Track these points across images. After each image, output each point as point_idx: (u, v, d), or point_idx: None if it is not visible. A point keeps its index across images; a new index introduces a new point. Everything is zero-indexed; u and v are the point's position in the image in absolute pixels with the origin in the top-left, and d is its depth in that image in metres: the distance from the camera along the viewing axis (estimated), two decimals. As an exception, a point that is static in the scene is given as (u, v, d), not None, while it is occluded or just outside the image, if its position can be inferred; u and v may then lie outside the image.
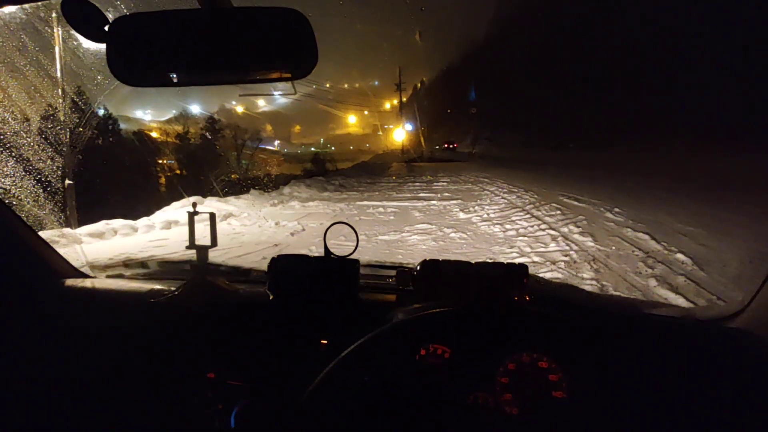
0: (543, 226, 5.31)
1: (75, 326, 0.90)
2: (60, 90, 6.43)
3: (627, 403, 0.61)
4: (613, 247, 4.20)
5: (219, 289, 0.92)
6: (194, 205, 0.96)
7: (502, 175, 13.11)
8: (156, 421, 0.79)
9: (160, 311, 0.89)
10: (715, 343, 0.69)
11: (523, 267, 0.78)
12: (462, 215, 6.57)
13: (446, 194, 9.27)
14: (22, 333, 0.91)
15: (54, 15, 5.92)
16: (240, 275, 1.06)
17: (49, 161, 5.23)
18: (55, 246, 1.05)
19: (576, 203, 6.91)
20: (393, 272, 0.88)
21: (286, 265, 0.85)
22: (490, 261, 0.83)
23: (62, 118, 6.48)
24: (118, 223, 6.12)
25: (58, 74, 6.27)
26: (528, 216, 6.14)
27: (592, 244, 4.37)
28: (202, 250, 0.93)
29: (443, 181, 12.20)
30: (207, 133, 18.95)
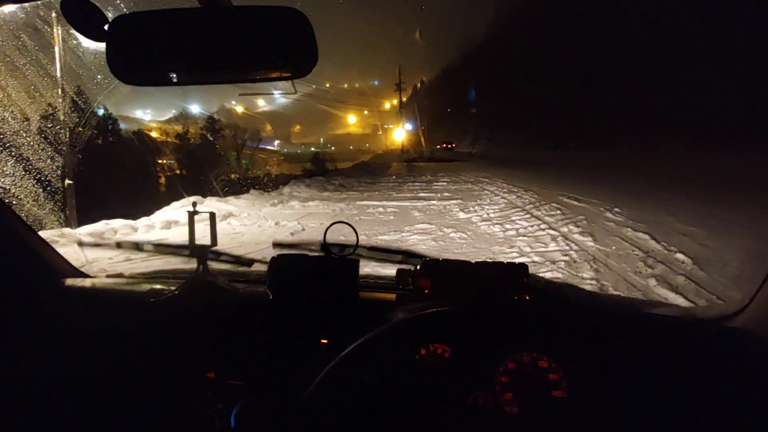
0: (543, 226, 5.31)
1: (75, 326, 0.90)
2: (60, 89, 6.43)
3: (627, 403, 0.61)
4: (613, 247, 4.20)
5: (219, 288, 0.92)
6: (194, 204, 0.96)
7: (501, 174, 13.11)
8: (156, 421, 0.79)
9: (160, 311, 0.89)
10: (715, 342, 0.69)
11: (523, 267, 0.78)
12: (462, 215, 6.57)
13: (446, 194, 9.27)
14: (22, 333, 0.91)
15: (54, 14, 5.92)
16: (240, 275, 1.06)
17: (49, 161, 5.23)
18: (55, 246, 1.05)
19: (576, 203, 6.91)
20: (393, 272, 0.88)
21: (286, 265, 0.85)
22: (490, 261, 0.83)
23: (62, 118, 6.48)
24: (118, 223, 6.12)
25: (58, 74, 6.27)
26: (528, 216, 6.14)
27: (592, 243, 4.37)
28: (202, 250, 0.93)
29: (443, 181, 12.20)
30: (207, 133, 18.94)
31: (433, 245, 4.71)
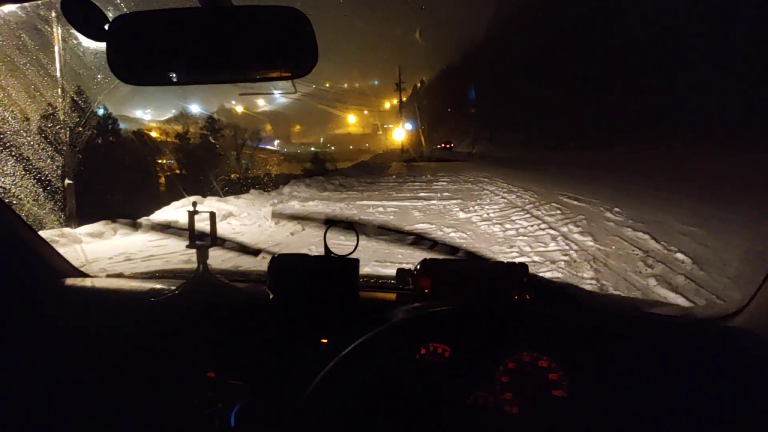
0: (543, 226, 5.31)
1: (75, 326, 0.90)
2: (60, 89, 6.43)
3: (627, 403, 0.61)
4: (613, 247, 4.20)
5: (219, 288, 0.92)
6: (194, 204, 0.96)
7: (501, 174, 13.11)
8: (156, 420, 0.79)
9: (160, 311, 0.89)
10: (715, 342, 0.69)
11: (523, 266, 0.78)
12: (462, 215, 6.57)
13: (446, 194, 9.27)
14: (22, 333, 0.91)
15: (54, 14, 5.92)
16: (240, 274, 1.06)
17: (48, 161, 5.23)
18: (55, 245, 1.05)
19: (576, 203, 6.91)
20: (393, 272, 0.88)
21: (286, 265, 0.85)
22: (490, 260, 0.83)
23: (62, 118, 6.48)
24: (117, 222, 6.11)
25: (58, 73, 6.27)
26: (528, 215, 6.14)
27: (591, 243, 4.37)
28: (202, 250, 0.93)
29: (443, 181, 12.20)
30: (207, 133, 18.94)
31: (433, 245, 4.71)
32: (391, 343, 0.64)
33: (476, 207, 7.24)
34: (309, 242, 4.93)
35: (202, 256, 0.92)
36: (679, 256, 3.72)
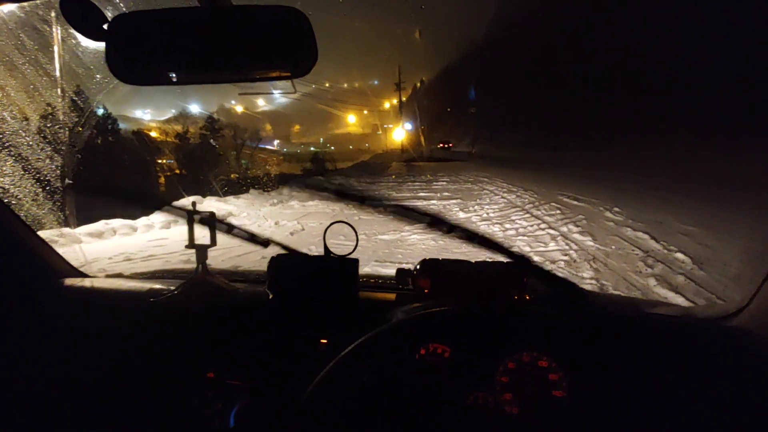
0: (542, 226, 5.31)
1: (74, 326, 0.90)
2: (59, 89, 6.42)
3: (627, 403, 0.61)
4: (613, 247, 4.20)
5: (218, 288, 0.92)
6: (194, 204, 0.96)
7: (501, 174, 13.11)
8: (156, 421, 0.79)
9: (159, 311, 0.89)
10: (715, 342, 0.69)
11: (522, 266, 0.78)
12: (461, 215, 6.58)
13: (446, 194, 9.27)
14: (22, 333, 0.91)
15: (53, 14, 5.91)
16: (239, 274, 1.06)
17: (48, 161, 5.22)
18: (54, 246, 1.05)
19: (575, 203, 6.92)
20: (393, 272, 0.88)
21: (285, 265, 0.85)
22: (489, 260, 0.82)
23: (61, 118, 6.47)
24: (117, 222, 6.12)
25: (57, 73, 6.26)
26: (527, 215, 6.14)
27: (591, 243, 4.37)
28: (202, 250, 0.93)
29: (443, 181, 12.20)
30: (206, 133, 18.92)
31: (432, 245, 4.71)
32: (391, 343, 0.64)
33: (476, 207, 7.24)
34: (309, 242, 4.93)
35: (201, 257, 0.92)
36: (679, 255, 3.72)
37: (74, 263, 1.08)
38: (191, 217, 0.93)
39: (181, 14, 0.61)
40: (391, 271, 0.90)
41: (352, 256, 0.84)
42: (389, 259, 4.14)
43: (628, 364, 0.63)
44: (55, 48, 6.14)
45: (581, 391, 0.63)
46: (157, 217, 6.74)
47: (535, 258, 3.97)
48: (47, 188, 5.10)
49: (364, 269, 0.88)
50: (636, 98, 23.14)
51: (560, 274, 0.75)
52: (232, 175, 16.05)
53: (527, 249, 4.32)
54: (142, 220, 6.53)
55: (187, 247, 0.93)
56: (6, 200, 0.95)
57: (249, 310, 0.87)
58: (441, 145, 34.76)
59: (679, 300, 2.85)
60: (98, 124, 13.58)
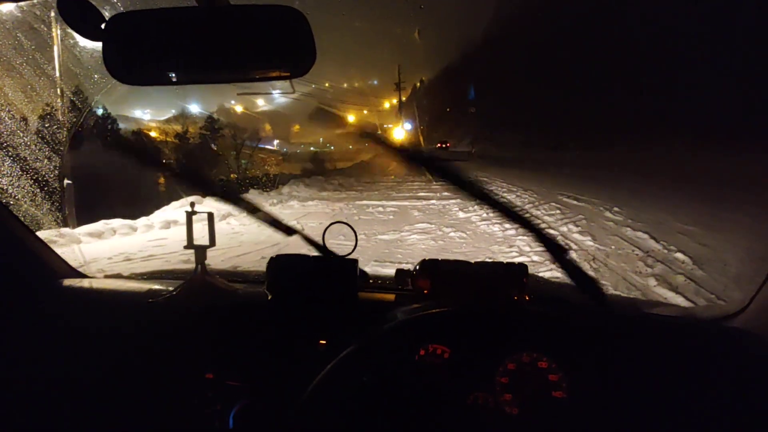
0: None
1: (73, 326, 0.90)
2: (58, 89, 6.42)
3: (627, 403, 0.60)
4: (613, 246, 4.20)
5: (217, 289, 0.92)
6: (192, 204, 0.96)
7: (501, 174, 13.12)
8: (155, 421, 0.79)
9: (158, 311, 0.88)
10: (715, 342, 0.68)
11: (522, 266, 0.78)
12: (461, 214, 6.58)
13: (445, 193, 9.27)
14: (20, 333, 0.91)
15: (51, 14, 5.91)
16: (238, 275, 1.06)
17: (47, 161, 5.21)
18: (53, 246, 1.04)
19: (575, 202, 6.92)
20: (392, 272, 0.88)
21: (285, 265, 0.84)
22: (489, 260, 0.82)
23: (60, 118, 6.47)
24: (116, 222, 6.11)
25: (56, 73, 6.26)
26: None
27: (591, 243, 4.37)
28: (201, 250, 0.92)
29: (442, 181, 12.17)
30: (206, 133, 18.93)
31: (432, 244, 4.71)
32: (391, 343, 0.64)
33: (476, 207, 7.23)
34: (308, 242, 4.92)
35: (201, 257, 0.92)
36: (679, 255, 3.72)
37: (73, 263, 1.07)
38: (190, 217, 0.93)
39: (178, 14, 0.60)
40: (390, 272, 0.90)
41: (352, 256, 0.84)
42: (389, 259, 4.14)
43: (628, 365, 0.63)
44: (54, 48, 6.14)
45: (581, 391, 0.63)
46: (157, 217, 6.75)
47: (535, 258, 3.97)
48: (46, 188, 5.10)
49: (364, 269, 0.88)
50: (636, 98, 23.15)
51: (560, 274, 0.75)
52: (232, 176, 16.05)
53: (527, 249, 4.32)
54: (142, 220, 6.53)
55: (186, 247, 0.93)
56: (5, 200, 0.94)
57: (248, 311, 0.87)
58: (439, 145, 34.83)
59: (679, 300, 2.85)
60: (97, 124, 13.58)
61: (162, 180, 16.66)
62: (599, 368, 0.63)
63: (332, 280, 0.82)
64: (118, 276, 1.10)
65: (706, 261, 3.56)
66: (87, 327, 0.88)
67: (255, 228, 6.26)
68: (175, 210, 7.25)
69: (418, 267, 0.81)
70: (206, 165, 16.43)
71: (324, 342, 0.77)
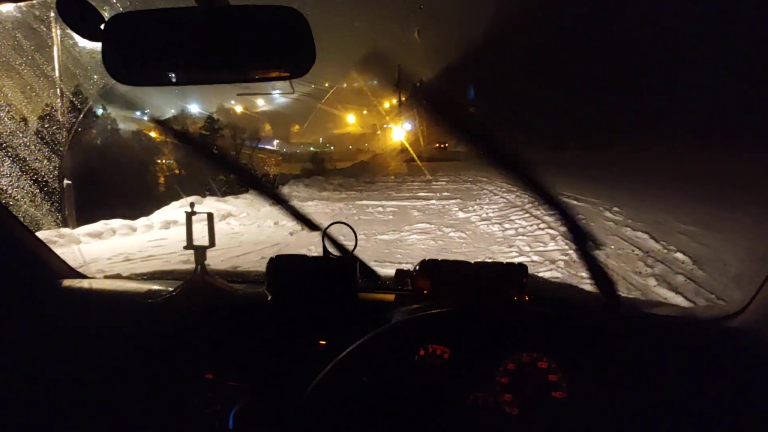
0: (542, 225, 5.31)
1: (73, 327, 0.90)
2: (58, 89, 6.42)
3: (627, 403, 0.60)
4: (612, 246, 4.20)
5: (217, 289, 0.92)
6: (192, 205, 0.96)
7: (501, 174, 13.07)
8: (155, 421, 0.79)
9: (158, 312, 0.88)
10: (715, 343, 0.68)
11: (522, 266, 0.78)
12: (461, 214, 6.58)
13: (445, 194, 9.27)
14: (20, 333, 0.91)
15: (51, 14, 5.91)
16: (238, 275, 1.06)
17: (46, 161, 5.22)
18: (53, 246, 1.04)
19: (575, 202, 6.93)
20: (392, 272, 0.87)
21: (284, 265, 0.84)
22: (489, 260, 0.82)
23: (60, 118, 6.47)
24: (116, 223, 6.11)
25: (56, 73, 6.26)
26: (527, 215, 6.14)
27: (591, 243, 4.37)
28: (201, 250, 0.92)
29: (442, 181, 12.20)
30: (206, 133, 18.92)
31: (432, 245, 4.71)
32: (391, 344, 0.64)
33: (475, 207, 7.24)
34: (308, 242, 4.93)
35: (200, 257, 0.92)
36: (679, 255, 3.72)
37: (73, 264, 1.07)
38: (190, 218, 0.93)
39: (178, 14, 0.60)
40: (390, 272, 0.90)
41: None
42: (388, 259, 4.14)
43: (627, 365, 0.63)
44: (54, 48, 6.14)
45: (581, 391, 0.63)
46: (157, 218, 6.75)
47: (535, 258, 3.97)
48: (46, 189, 5.10)
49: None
50: (636, 98, 23.17)
51: (560, 274, 0.75)
52: (232, 176, 16.03)
53: (527, 249, 4.32)
54: (142, 221, 6.53)
55: (185, 247, 0.93)
56: (5, 201, 0.94)
57: (248, 311, 0.87)
58: (437, 144, 35.05)
59: (679, 300, 2.85)
60: (97, 124, 13.58)
61: (162, 180, 16.69)
62: (599, 368, 0.63)
63: (332, 280, 0.82)
64: (118, 276, 1.10)
65: (706, 261, 3.56)
66: (87, 327, 0.88)
67: (255, 228, 6.27)
68: (175, 210, 7.25)
69: (417, 267, 0.81)
70: (206, 165, 16.41)
71: (324, 342, 0.77)
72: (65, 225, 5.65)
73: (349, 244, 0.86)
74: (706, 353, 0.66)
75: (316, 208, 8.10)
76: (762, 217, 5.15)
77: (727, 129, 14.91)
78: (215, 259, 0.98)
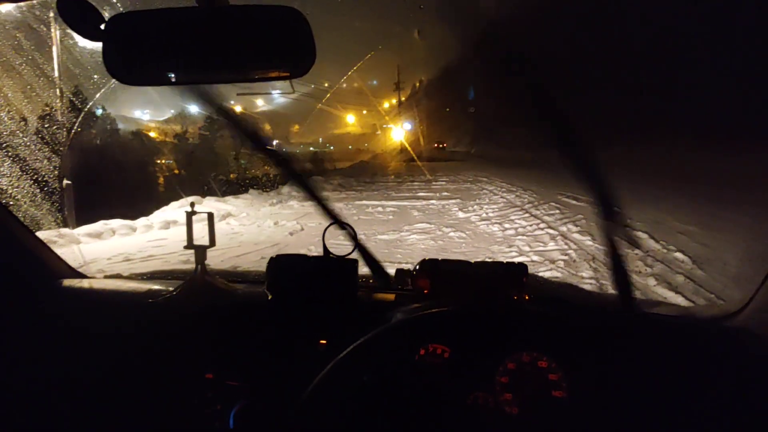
0: (542, 225, 5.31)
1: (73, 326, 0.90)
2: (58, 89, 6.42)
3: (627, 403, 0.60)
4: (612, 247, 4.20)
5: (217, 289, 0.92)
6: (192, 204, 0.96)
7: (501, 174, 13.12)
8: (155, 421, 0.79)
9: (158, 312, 0.89)
10: (715, 342, 0.69)
11: (522, 266, 0.78)
12: (461, 214, 6.58)
13: (445, 193, 9.27)
14: (20, 333, 0.91)
15: (51, 14, 5.91)
16: (238, 275, 1.06)
17: (46, 161, 5.22)
18: (52, 246, 1.04)
19: (575, 202, 6.92)
20: (392, 272, 0.88)
21: (284, 265, 0.84)
22: (489, 260, 0.82)
23: (60, 118, 6.47)
24: (116, 223, 6.11)
25: (56, 73, 6.25)
26: (527, 215, 6.14)
27: (590, 243, 4.37)
28: (201, 250, 0.92)
29: (442, 181, 12.21)
30: (205, 133, 18.91)
31: (432, 244, 4.71)
32: (391, 343, 0.64)
33: (475, 206, 7.24)
34: (308, 242, 4.93)
35: (200, 257, 0.92)
36: (679, 255, 3.73)
37: (73, 264, 1.07)
38: (190, 218, 0.93)
39: (178, 14, 0.60)
40: (390, 272, 0.90)
41: (352, 256, 0.84)
42: (388, 259, 4.14)
43: (627, 364, 0.63)
44: (54, 48, 6.13)
45: (581, 391, 0.63)
46: (157, 217, 6.74)
47: (535, 258, 3.97)
48: (46, 189, 5.10)
49: (364, 269, 0.88)
50: (636, 98, 23.16)
51: (559, 274, 0.75)
52: (231, 176, 16.04)
53: (527, 249, 4.33)
54: (142, 221, 6.53)
55: (186, 247, 0.93)
56: (5, 200, 0.94)
57: (248, 311, 0.87)
58: (436, 144, 35.21)
59: (679, 300, 2.85)
60: (97, 125, 13.58)
61: (162, 180, 16.69)
62: (599, 368, 0.63)
63: (332, 280, 0.82)
64: (118, 276, 1.10)
65: (705, 261, 3.56)
66: (87, 327, 0.88)
67: (255, 228, 6.27)
68: (175, 210, 7.25)
69: (417, 267, 0.82)
70: (206, 165, 16.43)
71: (324, 342, 0.77)
72: (65, 225, 5.65)
73: (349, 244, 0.86)
74: (706, 353, 0.66)
75: (316, 207, 8.09)
76: (762, 217, 5.16)
77: (727, 129, 14.89)
78: (215, 259, 0.98)
